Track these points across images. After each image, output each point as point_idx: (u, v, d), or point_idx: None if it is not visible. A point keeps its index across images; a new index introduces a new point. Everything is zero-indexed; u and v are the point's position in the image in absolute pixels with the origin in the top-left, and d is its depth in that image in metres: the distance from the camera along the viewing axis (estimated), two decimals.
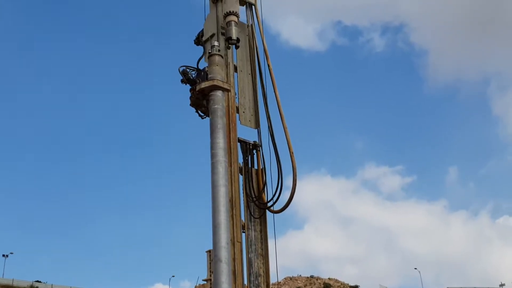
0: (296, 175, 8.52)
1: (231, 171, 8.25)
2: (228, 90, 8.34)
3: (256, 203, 8.72)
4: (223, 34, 8.86)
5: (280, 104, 8.92)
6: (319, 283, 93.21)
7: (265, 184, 8.83)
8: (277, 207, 8.63)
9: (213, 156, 7.73)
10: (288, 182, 8.54)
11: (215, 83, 8.03)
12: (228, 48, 8.65)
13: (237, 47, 8.75)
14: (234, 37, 8.51)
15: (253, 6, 9.65)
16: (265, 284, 8.42)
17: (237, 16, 8.74)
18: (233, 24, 8.60)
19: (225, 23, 8.71)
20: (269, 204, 8.69)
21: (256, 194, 8.75)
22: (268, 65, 9.26)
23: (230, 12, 8.68)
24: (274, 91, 9.04)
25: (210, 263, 7.82)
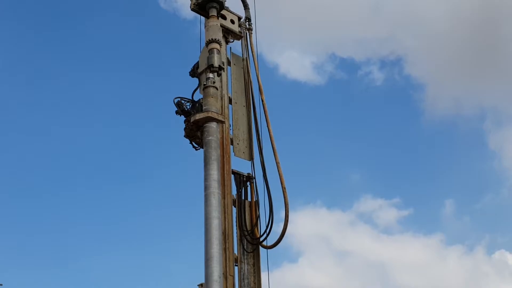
0: (288, 211, 8.41)
1: (224, 203, 8.15)
2: (222, 122, 8.32)
3: (247, 238, 8.60)
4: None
5: (273, 139, 8.87)
6: None
7: (257, 218, 8.73)
8: (270, 240, 8.52)
9: (206, 187, 7.65)
10: (282, 215, 8.46)
11: (210, 114, 8.02)
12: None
13: (219, 75, 8.62)
14: (216, 64, 8.39)
15: (248, 38, 9.72)
16: None
17: (219, 44, 8.67)
18: (215, 51, 8.52)
19: (207, 51, 8.64)
20: (261, 239, 8.58)
21: (249, 228, 8.64)
22: (262, 100, 9.26)
23: (212, 40, 8.64)
24: (268, 126, 9.02)
25: None
